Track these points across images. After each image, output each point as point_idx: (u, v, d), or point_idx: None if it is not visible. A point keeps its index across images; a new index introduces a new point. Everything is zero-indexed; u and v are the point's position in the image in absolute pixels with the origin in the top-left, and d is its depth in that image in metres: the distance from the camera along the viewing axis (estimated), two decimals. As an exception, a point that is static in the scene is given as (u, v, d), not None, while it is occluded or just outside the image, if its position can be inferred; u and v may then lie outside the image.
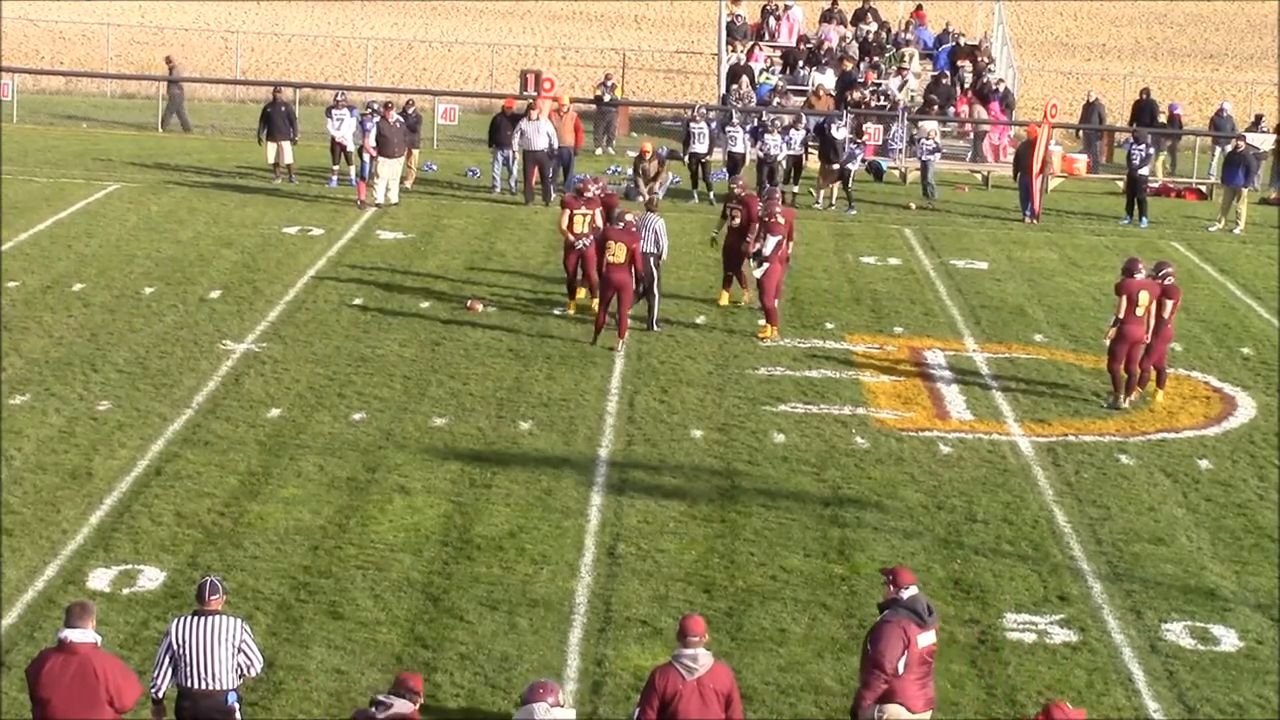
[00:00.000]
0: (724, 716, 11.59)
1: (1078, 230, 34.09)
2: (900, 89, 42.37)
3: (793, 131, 35.37)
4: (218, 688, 11.68)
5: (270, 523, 16.97)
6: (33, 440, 18.96)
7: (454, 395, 21.26)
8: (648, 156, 34.67)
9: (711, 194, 34.87)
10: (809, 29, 47.23)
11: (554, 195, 33.86)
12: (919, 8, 48.78)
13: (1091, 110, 42.64)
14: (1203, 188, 39.43)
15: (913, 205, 35.71)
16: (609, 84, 42.02)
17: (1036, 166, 34.47)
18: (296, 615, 14.97)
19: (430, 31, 62.12)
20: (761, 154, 35.18)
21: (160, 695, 11.76)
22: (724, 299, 26.26)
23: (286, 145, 35.05)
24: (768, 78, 43.16)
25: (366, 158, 32.72)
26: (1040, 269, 30.15)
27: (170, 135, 41.20)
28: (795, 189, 35.20)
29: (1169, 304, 21.87)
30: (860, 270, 29.46)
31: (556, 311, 25.30)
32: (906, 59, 44.55)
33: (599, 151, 40.81)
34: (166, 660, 11.70)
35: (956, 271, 29.65)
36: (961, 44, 45.11)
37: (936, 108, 41.76)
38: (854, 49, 44.74)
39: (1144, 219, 35.04)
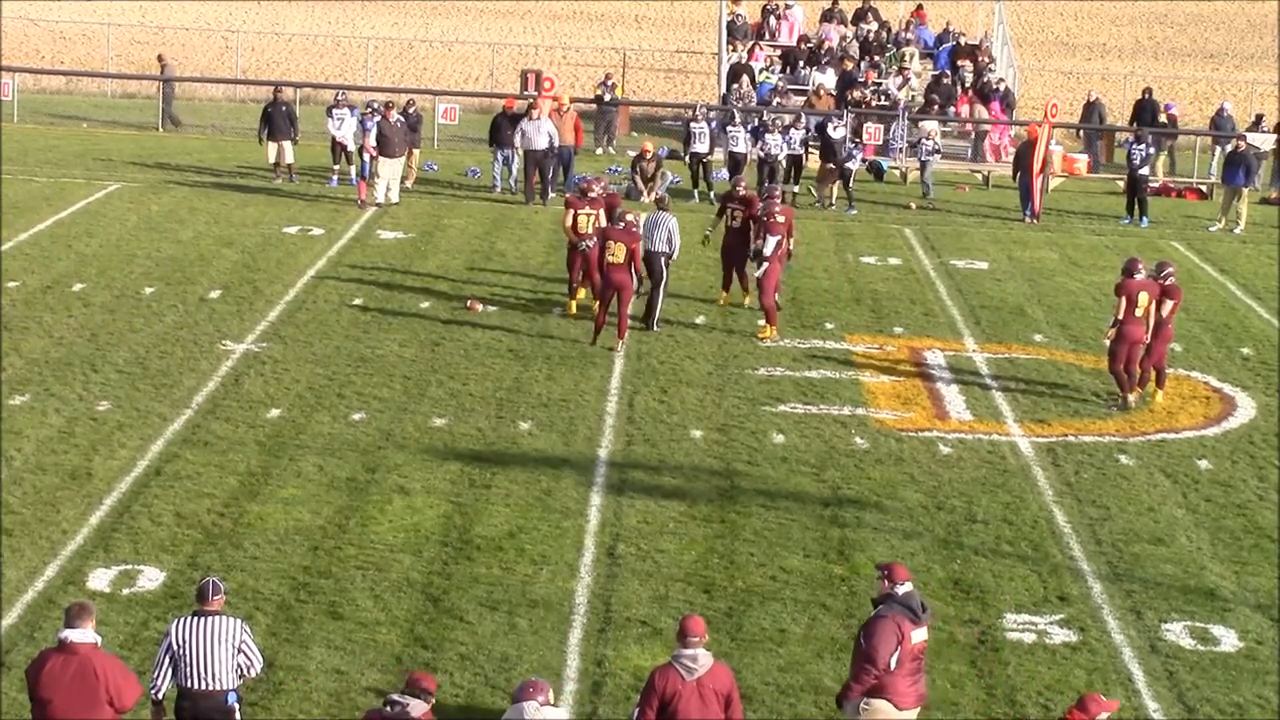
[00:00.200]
0: (724, 717, 11.59)
1: (1078, 230, 34.09)
2: (900, 88, 42.36)
3: (793, 131, 35.37)
4: (218, 688, 11.68)
5: (270, 523, 16.97)
6: (33, 440, 18.96)
7: (454, 395, 21.26)
8: (648, 157, 34.73)
9: (712, 194, 34.86)
10: (809, 28, 47.26)
11: (552, 195, 33.88)
12: (919, 7, 48.80)
13: (1092, 110, 42.64)
14: (1203, 188, 39.43)
15: (913, 205, 35.72)
16: (609, 83, 42.03)
17: (1037, 166, 34.48)
18: (296, 615, 14.97)
19: (430, 31, 62.13)
20: (762, 154, 35.19)
21: (160, 696, 11.76)
22: (724, 299, 26.26)
23: (287, 145, 35.06)
24: (768, 77, 43.17)
25: (367, 157, 32.72)
26: (1040, 269, 30.15)
27: (170, 135, 41.21)
28: (795, 189, 35.20)
29: (1169, 304, 21.87)
30: (860, 270, 29.46)
31: (556, 311, 25.30)
32: (907, 58, 44.57)
33: (599, 151, 40.81)
34: (166, 661, 11.69)
35: (956, 271, 29.65)
36: (962, 44, 45.12)
37: (937, 107, 41.77)
38: (854, 49, 44.76)
39: (1144, 219, 35.04)
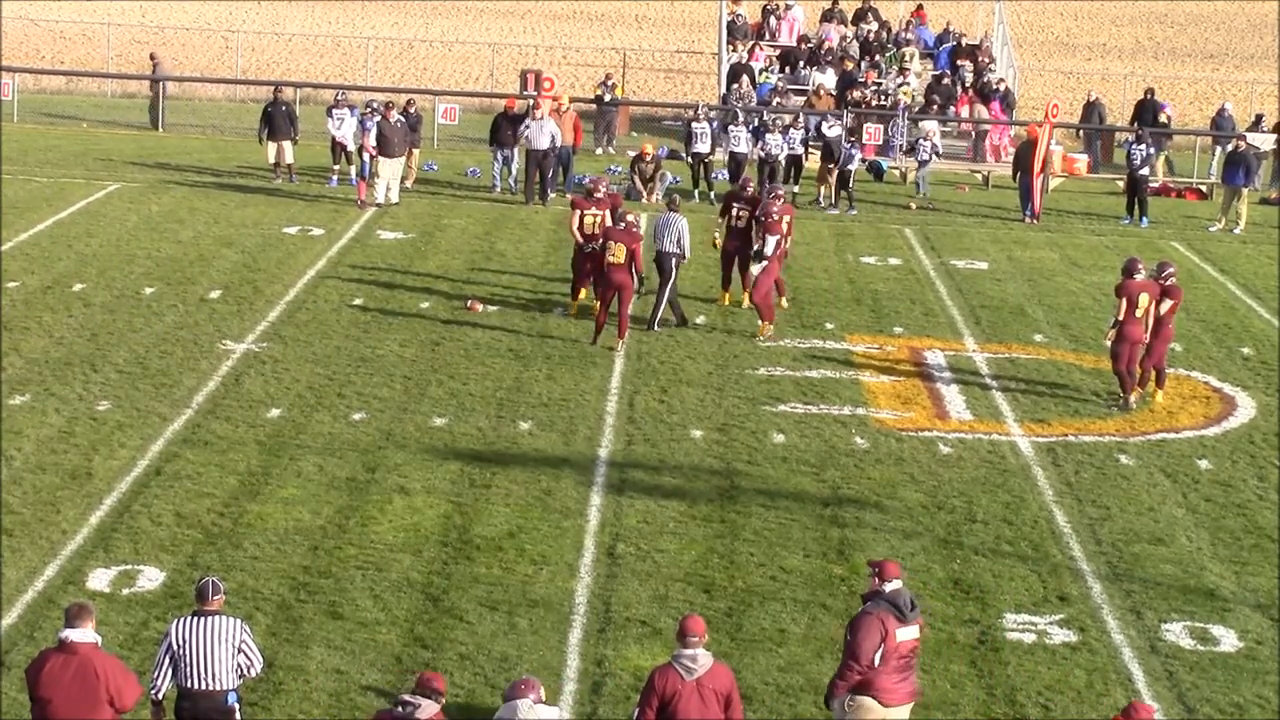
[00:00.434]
0: (724, 717, 11.59)
1: (1078, 230, 34.09)
2: (899, 89, 42.36)
3: (792, 131, 35.38)
4: (218, 688, 11.68)
5: (270, 523, 16.97)
6: (33, 440, 18.96)
7: (454, 395, 21.26)
8: (647, 158, 34.74)
9: (712, 194, 34.87)
10: (809, 29, 47.26)
11: (552, 195, 33.88)
12: (919, 7, 48.80)
13: (1092, 110, 42.65)
14: (1203, 188, 39.43)
15: (913, 205, 35.73)
16: (609, 83, 42.02)
17: (1037, 166, 34.48)
18: (296, 615, 14.97)
19: (430, 31, 62.14)
20: (763, 154, 35.20)
21: (160, 696, 11.76)
22: (724, 299, 26.25)
23: (287, 145, 35.06)
24: (768, 77, 43.18)
25: (366, 157, 32.72)
26: (1040, 269, 30.15)
27: (170, 135, 41.21)
28: (795, 188, 35.20)
29: (1169, 304, 21.86)
30: (860, 270, 29.46)
31: (557, 312, 25.30)
32: (907, 58, 44.57)
33: (599, 151, 40.81)
34: (166, 661, 11.69)
35: (956, 271, 29.65)
36: (962, 44, 45.12)
37: (937, 107, 41.77)
38: (854, 49, 44.77)
39: (1144, 219, 35.04)
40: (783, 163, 35.35)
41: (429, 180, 35.93)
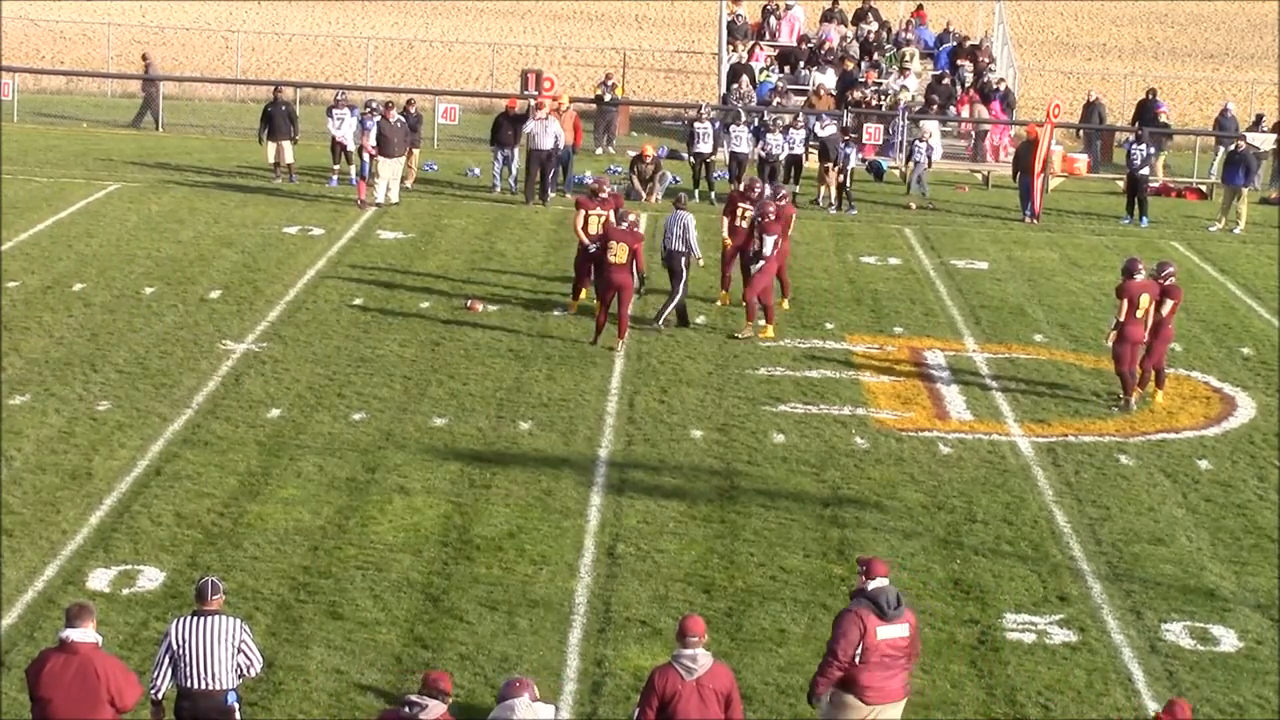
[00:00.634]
0: (724, 717, 11.59)
1: (1078, 230, 34.09)
2: (900, 90, 42.38)
3: (793, 131, 35.39)
4: (217, 688, 11.68)
5: (270, 523, 16.97)
6: (33, 440, 18.96)
7: (454, 395, 21.26)
8: (646, 159, 34.74)
9: (713, 194, 34.87)
10: (809, 29, 47.26)
11: (551, 195, 33.87)
12: (919, 7, 48.82)
13: (1092, 110, 42.66)
14: (1203, 188, 39.44)
15: (913, 205, 35.73)
16: (609, 83, 42.03)
17: (1038, 166, 34.48)
18: (296, 615, 14.97)
19: (430, 31, 62.14)
20: (763, 153, 35.21)
21: (160, 696, 11.76)
22: (724, 299, 26.25)
23: (287, 145, 35.06)
24: (768, 77, 43.18)
25: (366, 157, 32.72)
26: (1040, 269, 30.15)
27: (170, 135, 41.22)
28: (796, 188, 35.20)
29: (1169, 304, 21.86)
30: (860, 270, 29.46)
31: (557, 312, 25.30)
32: (907, 58, 44.57)
33: (599, 151, 40.82)
34: (166, 660, 11.69)
35: (956, 271, 29.65)
36: (964, 45, 45.12)
37: (937, 107, 41.77)
38: (854, 49, 44.77)
39: (1144, 219, 35.05)
40: (783, 162, 35.35)
41: (429, 180, 35.93)
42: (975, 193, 38.25)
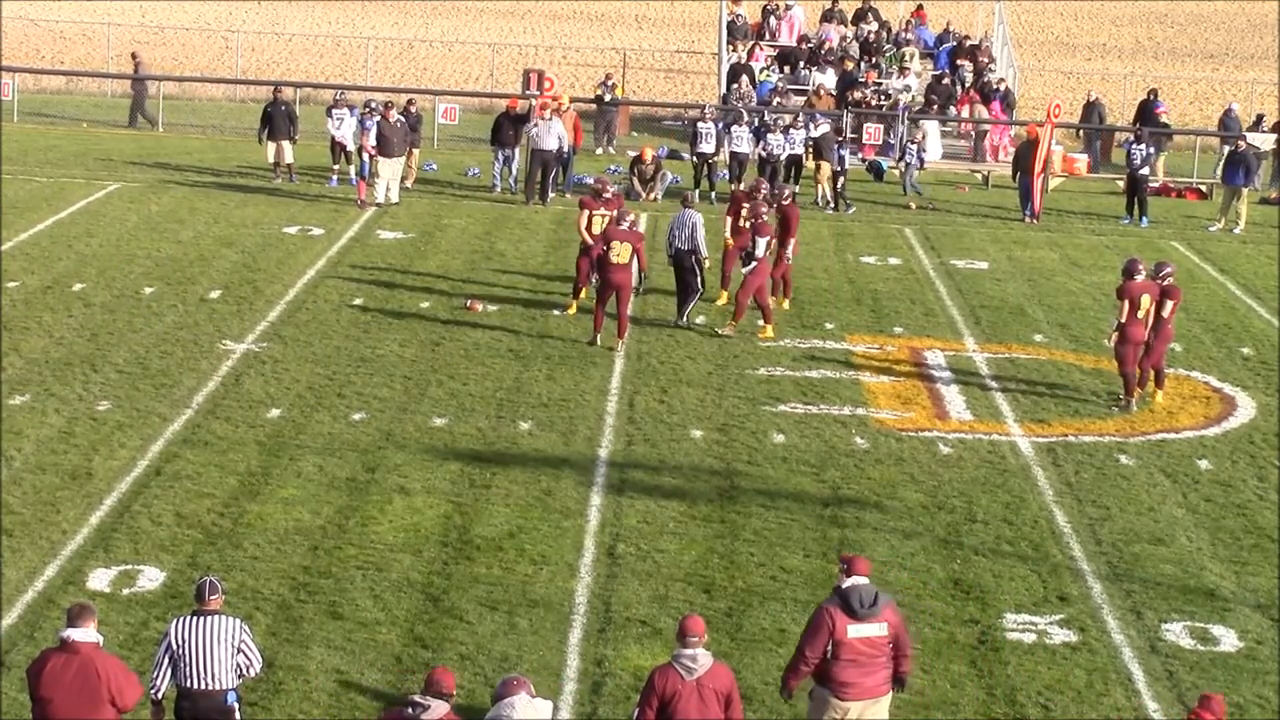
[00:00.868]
0: (724, 716, 11.59)
1: (1078, 230, 34.09)
2: (902, 90, 42.37)
3: (793, 131, 35.39)
4: (217, 688, 11.68)
5: (270, 523, 16.97)
6: (33, 440, 18.96)
7: (454, 395, 21.26)
8: (646, 161, 34.76)
9: (713, 194, 34.87)
10: (809, 29, 47.26)
11: (551, 195, 33.87)
12: (919, 7, 48.81)
13: (1092, 110, 42.66)
14: (1203, 188, 39.43)
15: (913, 205, 35.74)
16: (609, 83, 42.03)
17: (1038, 166, 34.48)
18: (296, 615, 14.97)
19: (430, 31, 62.14)
20: (764, 153, 35.21)
21: (160, 696, 11.76)
22: (724, 299, 26.25)
23: (287, 145, 35.06)
24: (768, 77, 43.17)
25: (366, 157, 32.72)
26: (1040, 269, 30.15)
27: (170, 135, 41.22)
28: (796, 188, 35.20)
29: (1169, 304, 21.85)
30: (860, 270, 29.46)
31: (557, 312, 25.30)
32: (907, 58, 44.57)
33: (599, 151, 40.82)
34: (166, 660, 11.69)
35: (956, 271, 29.65)
36: (964, 45, 45.11)
37: (936, 108, 41.77)
38: (854, 49, 44.76)
39: (1144, 219, 35.05)
40: (783, 163, 35.35)
41: (429, 180, 35.93)
42: (975, 193, 38.25)
